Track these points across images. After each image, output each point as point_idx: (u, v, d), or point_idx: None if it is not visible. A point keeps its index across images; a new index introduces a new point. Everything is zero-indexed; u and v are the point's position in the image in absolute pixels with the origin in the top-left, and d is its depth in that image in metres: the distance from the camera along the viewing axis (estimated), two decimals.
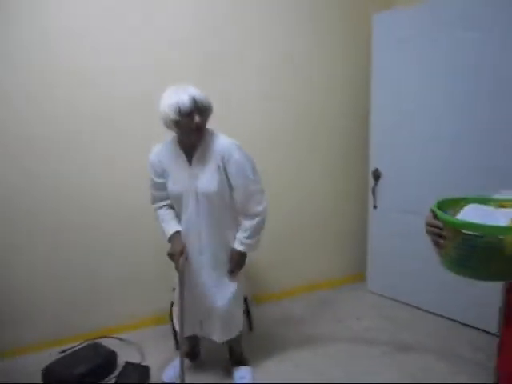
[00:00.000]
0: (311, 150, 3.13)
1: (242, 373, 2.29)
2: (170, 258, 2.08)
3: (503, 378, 1.34)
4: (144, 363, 2.43)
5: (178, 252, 2.04)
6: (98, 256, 2.70)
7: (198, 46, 2.67)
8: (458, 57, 2.52)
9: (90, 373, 2.25)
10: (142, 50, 2.56)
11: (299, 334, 2.72)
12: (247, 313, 2.70)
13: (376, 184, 3.09)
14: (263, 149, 2.86)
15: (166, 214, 2.12)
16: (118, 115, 2.58)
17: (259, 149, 2.51)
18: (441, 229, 1.22)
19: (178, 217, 2.11)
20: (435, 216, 1.25)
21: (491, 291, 2.52)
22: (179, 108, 1.81)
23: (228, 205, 2.06)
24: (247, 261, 2.16)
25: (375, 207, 3.14)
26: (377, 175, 3.07)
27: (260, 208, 2.05)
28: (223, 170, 1.98)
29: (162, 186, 2.08)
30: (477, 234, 1.13)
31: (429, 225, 1.26)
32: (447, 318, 2.80)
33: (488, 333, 2.60)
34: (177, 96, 1.82)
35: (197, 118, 1.85)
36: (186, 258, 2.06)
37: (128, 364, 2.35)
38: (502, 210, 1.25)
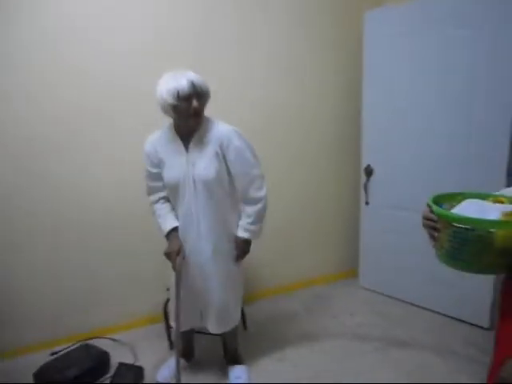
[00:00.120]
0: (303, 147, 3.12)
1: (238, 372, 2.28)
2: (167, 257, 2.05)
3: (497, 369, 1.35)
4: (138, 364, 2.41)
5: (174, 251, 2.01)
6: (91, 256, 2.67)
7: (192, 51, 2.65)
8: (450, 54, 2.53)
9: (83, 375, 2.23)
10: (142, 49, 2.54)
11: (293, 331, 2.72)
12: (241, 311, 2.68)
13: (368, 180, 3.10)
14: (255, 147, 2.82)
15: (163, 209, 2.08)
16: (118, 115, 2.56)
17: None
18: (436, 222, 1.25)
19: (175, 207, 2.06)
20: (431, 210, 1.28)
21: (483, 286, 2.56)
22: (178, 92, 1.79)
23: (227, 192, 2.03)
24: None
25: (367, 203, 3.15)
26: (369, 171, 3.08)
27: (262, 193, 2.05)
28: (222, 157, 1.96)
29: (158, 176, 2.04)
30: (467, 227, 1.16)
31: (425, 218, 1.29)
32: (439, 314, 2.83)
33: (481, 328, 2.63)
34: (175, 80, 1.80)
35: (195, 103, 1.83)
36: (184, 258, 2.04)
37: (121, 365, 2.33)
38: (498, 205, 1.26)
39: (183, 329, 2.19)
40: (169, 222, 2.05)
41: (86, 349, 2.42)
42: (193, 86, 1.81)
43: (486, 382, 1.28)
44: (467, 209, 1.25)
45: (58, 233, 2.57)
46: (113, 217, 2.66)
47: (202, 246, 2.03)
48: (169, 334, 2.61)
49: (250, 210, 2.05)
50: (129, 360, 2.44)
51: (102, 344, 2.53)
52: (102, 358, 2.38)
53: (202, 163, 1.94)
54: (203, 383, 2.26)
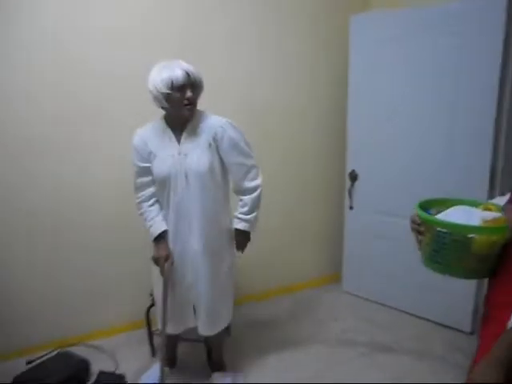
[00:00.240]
0: (288, 152, 3.11)
1: (221, 379, 2.24)
2: (155, 262, 2.00)
3: None
4: (119, 371, 2.34)
5: (163, 257, 1.96)
6: (67, 258, 2.59)
7: (177, 48, 2.60)
8: (434, 61, 2.56)
9: None
10: (142, 48, 2.50)
11: (277, 337, 2.69)
12: None
13: (352, 185, 3.11)
14: None
15: (152, 211, 2.01)
16: (118, 115, 2.52)
17: None
18: (419, 225, 1.30)
19: (165, 202, 1.98)
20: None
21: (465, 292, 2.59)
22: (172, 81, 1.77)
23: (219, 185, 1.99)
24: None
25: (351, 208, 3.16)
26: (353, 176, 3.09)
27: (257, 182, 2.04)
28: (215, 148, 1.93)
29: (147, 171, 1.98)
30: (446, 231, 1.20)
31: (411, 221, 1.34)
32: (423, 319, 2.85)
33: (464, 333, 2.65)
34: (170, 70, 1.78)
35: (189, 93, 1.81)
36: (172, 264, 1.99)
37: (102, 373, 2.26)
38: (485, 212, 1.27)
39: (176, 332, 2.14)
40: (158, 226, 1.99)
41: (65, 357, 2.34)
42: (187, 75, 1.79)
43: None
44: (453, 214, 1.28)
45: (33, 234, 2.49)
46: (100, 217, 2.61)
47: (192, 240, 1.98)
48: (151, 340, 2.55)
49: (246, 198, 2.03)
50: (109, 368, 2.37)
51: (81, 351, 2.45)
52: (82, 366, 2.30)
53: (195, 155, 1.90)
54: None
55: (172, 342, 2.29)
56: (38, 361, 2.36)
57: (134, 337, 2.69)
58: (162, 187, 1.96)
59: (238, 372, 2.33)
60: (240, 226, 2.05)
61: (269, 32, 2.88)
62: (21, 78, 2.31)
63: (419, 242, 1.31)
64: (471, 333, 2.62)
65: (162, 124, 1.96)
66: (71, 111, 2.43)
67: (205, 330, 2.11)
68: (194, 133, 1.93)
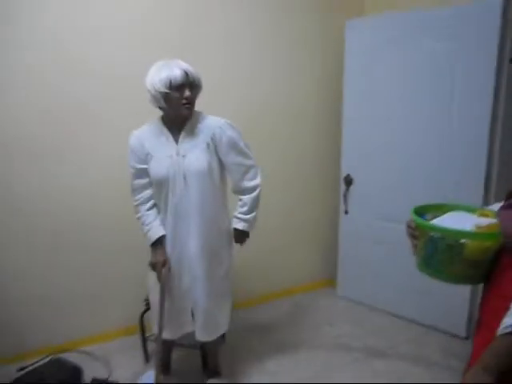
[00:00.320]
0: (283, 155, 3.10)
1: None
2: (152, 267, 1.97)
3: None
4: (112, 379, 2.30)
5: (160, 262, 1.94)
6: (61, 264, 2.55)
7: (175, 50, 2.57)
8: (430, 64, 2.57)
9: None
10: (142, 48, 2.49)
11: (273, 343, 2.68)
12: None
13: (347, 190, 3.11)
14: None
15: (149, 215, 1.97)
16: (116, 117, 2.50)
17: None
18: (414, 230, 1.31)
19: (163, 204, 1.95)
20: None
21: (460, 297, 2.59)
22: (170, 81, 1.76)
23: (217, 186, 1.98)
24: None
25: (346, 213, 3.15)
26: (348, 181, 3.08)
27: (256, 182, 2.04)
28: (213, 149, 1.92)
29: (145, 173, 1.95)
30: (439, 236, 1.21)
31: (407, 226, 1.34)
32: (417, 323, 2.84)
33: (460, 338, 2.65)
34: (168, 69, 1.77)
35: (187, 92, 1.80)
36: (169, 270, 1.96)
37: (95, 380, 2.22)
38: (481, 218, 1.27)
39: (174, 337, 2.11)
40: (155, 230, 1.96)
41: (57, 363, 2.28)
42: (186, 75, 1.79)
43: None
44: (448, 219, 1.29)
45: (30, 239, 2.46)
46: (94, 220, 2.58)
47: (191, 241, 1.96)
48: (144, 347, 2.52)
49: (246, 197, 2.03)
50: (103, 374, 2.33)
51: (73, 358, 2.40)
52: (74, 374, 2.24)
53: (194, 155, 1.89)
54: None
55: (167, 347, 2.26)
56: (30, 368, 2.32)
57: (127, 343, 2.66)
58: (160, 188, 1.94)
59: (234, 378, 2.31)
60: (239, 225, 2.05)
61: (265, 35, 2.87)
62: (20, 78, 2.30)
63: (414, 246, 1.32)
64: (466, 338, 2.62)
65: (158, 124, 1.94)
66: (68, 113, 2.42)
67: (202, 335, 2.08)
68: (192, 133, 1.91)
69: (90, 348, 2.60)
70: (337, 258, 3.29)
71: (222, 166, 1.99)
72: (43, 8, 2.28)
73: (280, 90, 2.99)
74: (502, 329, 1.00)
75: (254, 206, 2.05)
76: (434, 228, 1.24)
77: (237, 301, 3.06)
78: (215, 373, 2.28)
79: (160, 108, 1.88)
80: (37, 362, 2.39)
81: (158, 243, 1.96)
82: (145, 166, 1.94)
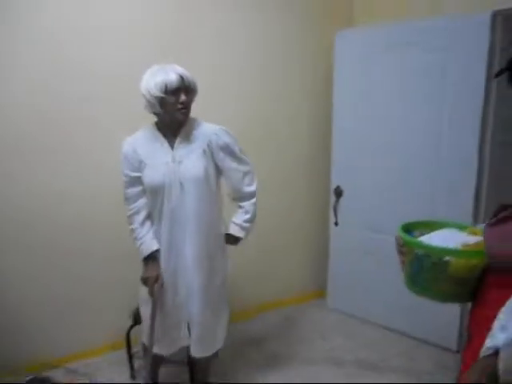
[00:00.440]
0: (273, 167, 3.07)
1: None
2: (144, 282, 1.91)
3: None
4: None
5: (153, 277, 1.88)
6: (42, 276, 2.47)
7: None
8: (420, 75, 2.58)
9: None
10: (142, 46, 2.48)
11: (264, 357, 2.63)
12: None
13: (337, 201, 3.09)
14: None
15: (143, 228, 1.91)
16: (114, 119, 2.46)
17: None
18: (402, 247, 1.30)
19: (158, 212, 1.90)
20: None
21: (451, 310, 2.57)
22: (166, 85, 1.73)
23: (214, 192, 1.95)
24: None
25: (336, 224, 3.13)
26: (338, 192, 3.07)
27: (254, 188, 2.03)
28: (210, 155, 1.89)
29: (138, 181, 1.90)
30: (423, 253, 1.21)
31: (396, 242, 1.34)
32: (409, 337, 2.82)
33: (451, 351, 2.63)
34: (164, 73, 1.75)
35: (183, 97, 1.78)
36: (162, 285, 1.91)
37: None
38: (470, 236, 1.26)
39: (168, 352, 2.04)
40: (149, 245, 1.90)
41: (40, 382, 2.20)
42: (181, 79, 1.77)
43: None
44: (436, 237, 1.29)
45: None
46: (70, 235, 2.50)
47: (187, 249, 1.91)
48: (131, 362, 2.45)
49: (247, 204, 2.01)
50: None
51: (57, 376, 2.32)
52: None
53: (190, 161, 1.86)
54: None
55: (155, 363, 2.19)
56: None
57: (113, 359, 2.58)
58: (155, 196, 1.89)
59: None
60: (240, 234, 2.03)
61: (255, 49, 2.87)
62: (16, 78, 2.26)
63: (402, 262, 1.31)
64: (457, 351, 2.60)
65: (153, 130, 1.91)
66: (67, 113, 2.39)
67: (197, 350, 2.01)
68: (188, 139, 1.89)
69: (74, 365, 2.51)
70: (327, 269, 3.26)
71: (218, 171, 1.97)
72: (40, 8, 2.25)
73: (268, 102, 2.98)
74: (483, 350, 1.00)
75: (255, 213, 2.04)
76: (419, 245, 1.23)
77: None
78: None
79: (155, 113, 1.85)
80: (18, 382, 2.29)
81: (151, 258, 1.91)
82: (138, 174, 1.89)
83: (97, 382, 2.36)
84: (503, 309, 1.02)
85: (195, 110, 1.96)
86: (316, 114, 3.17)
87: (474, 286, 1.20)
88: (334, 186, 3.09)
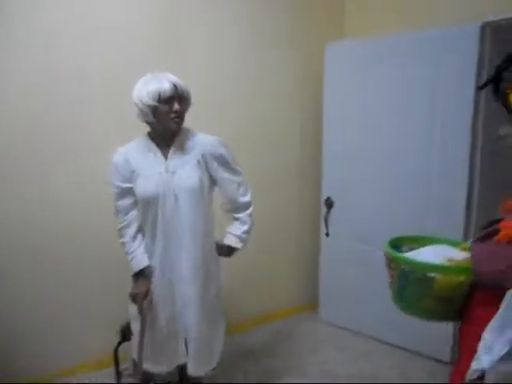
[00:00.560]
0: (263, 178, 3.04)
1: None
2: (132, 298, 1.86)
3: None
4: None
5: (142, 293, 1.83)
6: (23, 290, 2.40)
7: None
8: (410, 90, 2.59)
9: None
10: (136, 49, 2.48)
11: (255, 371, 2.58)
12: None
13: (328, 212, 3.08)
14: None
15: (134, 242, 1.86)
16: (111, 123, 2.43)
17: None
18: (390, 261, 1.28)
19: (151, 225, 1.85)
20: None
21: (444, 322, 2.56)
22: (159, 93, 1.70)
23: (207, 202, 1.92)
24: None
25: (327, 235, 3.11)
26: (329, 203, 3.06)
27: (249, 198, 2.01)
28: (204, 166, 1.87)
29: (129, 192, 1.85)
30: (409, 269, 1.18)
31: (385, 257, 1.32)
32: (402, 348, 2.80)
33: (443, 363, 2.61)
34: (157, 82, 1.72)
35: (176, 105, 1.75)
36: (151, 302, 1.86)
37: None
38: (461, 252, 1.24)
39: (165, 371, 1.98)
40: (139, 260, 1.85)
41: None
42: (175, 87, 1.74)
43: None
44: (425, 252, 1.26)
45: None
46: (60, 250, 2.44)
47: (183, 261, 1.86)
48: (119, 380, 2.38)
49: (243, 215, 1.99)
50: None
51: None
52: None
53: (184, 172, 1.82)
54: None
55: (145, 381, 2.12)
56: None
57: (100, 377, 2.49)
58: (147, 208, 1.84)
59: None
60: (239, 245, 2.00)
61: (245, 57, 2.87)
62: (10, 80, 2.24)
63: (391, 276, 1.28)
64: (450, 362, 2.58)
65: (146, 140, 1.87)
66: (64, 124, 2.36)
67: (195, 369, 1.95)
68: (182, 149, 1.85)
69: (62, 380, 2.44)
70: (318, 281, 3.23)
71: (212, 182, 1.94)
72: (36, 8, 2.23)
73: (261, 113, 2.97)
74: (470, 373, 0.99)
75: (252, 224, 2.02)
76: (404, 260, 1.21)
77: None
78: None
79: (147, 123, 1.81)
80: None
81: (141, 273, 1.86)
82: (130, 185, 1.84)
83: None
84: (488, 327, 1.01)
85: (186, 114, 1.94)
86: (307, 125, 3.16)
87: (461, 304, 1.16)
88: (324, 197, 3.08)
